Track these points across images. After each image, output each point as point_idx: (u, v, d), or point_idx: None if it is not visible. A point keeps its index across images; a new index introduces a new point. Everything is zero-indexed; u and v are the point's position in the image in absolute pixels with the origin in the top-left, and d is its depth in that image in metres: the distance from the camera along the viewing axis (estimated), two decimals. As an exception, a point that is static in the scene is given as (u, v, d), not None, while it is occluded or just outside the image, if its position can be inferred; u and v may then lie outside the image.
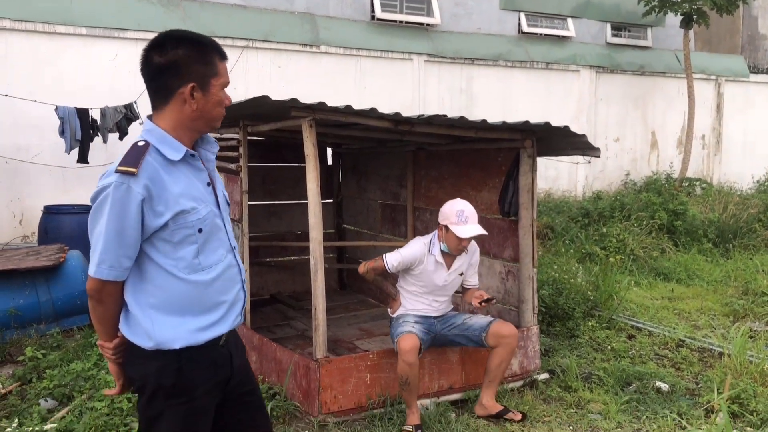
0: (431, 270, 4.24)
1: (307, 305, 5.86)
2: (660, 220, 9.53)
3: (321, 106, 4.04)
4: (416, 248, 4.25)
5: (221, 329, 2.27)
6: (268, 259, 7.01)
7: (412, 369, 3.92)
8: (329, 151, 7.37)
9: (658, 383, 4.68)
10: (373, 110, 4.13)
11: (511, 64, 12.47)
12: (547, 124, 4.43)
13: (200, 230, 2.19)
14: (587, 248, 8.57)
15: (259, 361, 4.76)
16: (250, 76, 9.89)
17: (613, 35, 13.88)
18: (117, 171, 2.05)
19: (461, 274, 4.34)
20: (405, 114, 4.35)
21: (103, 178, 2.10)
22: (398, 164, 6.42)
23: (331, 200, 7.40)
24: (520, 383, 4.73)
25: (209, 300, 2.24)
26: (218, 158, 5.27)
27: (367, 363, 4.23)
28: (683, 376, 4.96)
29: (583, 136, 4.64)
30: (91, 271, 2.12)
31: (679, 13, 12.73)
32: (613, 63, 13.61)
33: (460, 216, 4.09)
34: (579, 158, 10.87)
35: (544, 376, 4.87)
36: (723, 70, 15.04)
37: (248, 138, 5.10)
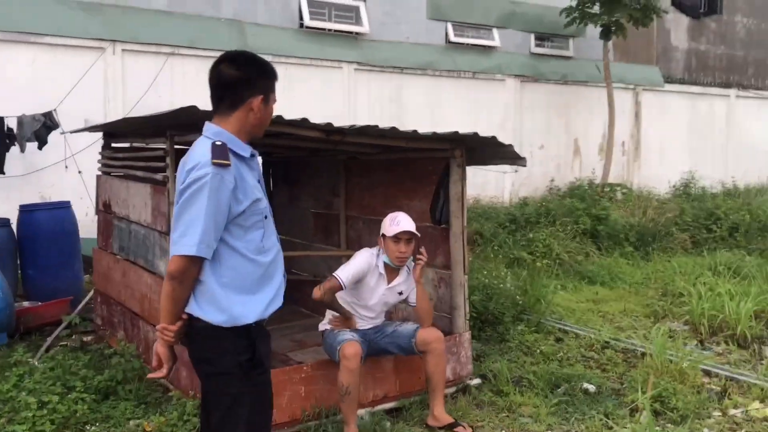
0: (371, 282, 4.27)
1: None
2: (584, 225, 9.82)
3: (251, 116, 3.97)
4: (363, 258, 4.28)
5: (278, 304, 2.61)
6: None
7: (353, 376, 3.92)
8: (259, 160, 7.27)
9: (586, 385, 4.82)
10: (304, 120, 4.10)
11: (439, 73, 12.65)
12: (476, 134, 4.51)
13: (266, 217, 2.58)
14: (515, 253, 8.75)
15: (189, 376, 4.63)
16: (175, 83, 9.64)
17: (537, 45, 14.26)
18: (213, 163, 2.36)
19: (400, 293, 4.37)
20: (336, 123, 4.34)
21: (196, 170, 2.38)
22: (330, 173, 6.40)
23: (262, 210, 7.32)
24: (453, 389, 4.78)
25: (269, 279, 2.57)
26: (145, 169, 5.15)
27: (302, 375, 4.19)
28: (609, 377, 5.13)
29: (510, 146, 4.75)
30: (184, 251, 2.36)
31: (598, 25, 13.19)
32: (537, 72, 13.97)
33: (393, 221, 4.22)
34: (506, 167, 11.12)
35: (476, 381, 4.94)
36: (640, 79, 15.68)
37: (175, 148, 4.97)
